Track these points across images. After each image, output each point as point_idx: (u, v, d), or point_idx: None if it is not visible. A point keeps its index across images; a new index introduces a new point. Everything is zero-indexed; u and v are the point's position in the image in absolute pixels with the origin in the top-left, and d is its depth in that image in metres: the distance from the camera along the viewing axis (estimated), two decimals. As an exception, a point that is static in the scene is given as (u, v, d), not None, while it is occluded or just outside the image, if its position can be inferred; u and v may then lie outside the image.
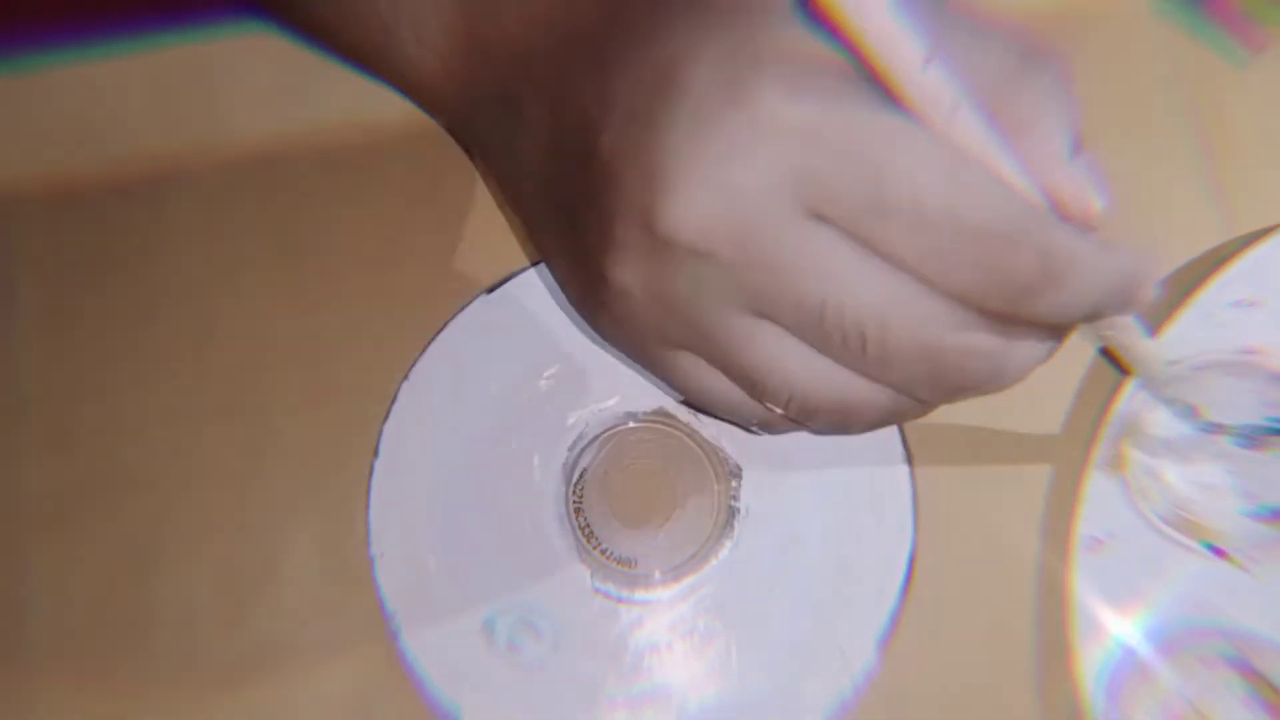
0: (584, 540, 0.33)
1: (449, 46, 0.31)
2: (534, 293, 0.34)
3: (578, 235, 0.28)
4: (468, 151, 0.35)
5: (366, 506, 0.33)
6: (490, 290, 0.34)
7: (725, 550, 0.33)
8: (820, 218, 0.24)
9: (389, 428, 0.33)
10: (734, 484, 0.33)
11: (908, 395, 0.27)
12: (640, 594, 0.32)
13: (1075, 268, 0.23)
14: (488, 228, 0.35)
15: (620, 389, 0.33)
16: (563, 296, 0.34)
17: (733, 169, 0.24)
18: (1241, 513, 0.33)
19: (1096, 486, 0.33)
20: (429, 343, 0.34)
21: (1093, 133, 0.35)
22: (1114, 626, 0.32)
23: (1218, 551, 0.32)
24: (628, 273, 0.26)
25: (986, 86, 0.24)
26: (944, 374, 0.26)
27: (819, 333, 0.25)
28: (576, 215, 0.28)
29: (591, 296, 0.28)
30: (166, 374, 0.34)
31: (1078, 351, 0.34)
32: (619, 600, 0.32)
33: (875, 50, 0.23)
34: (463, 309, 0.34)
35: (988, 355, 0.25)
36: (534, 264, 0.34)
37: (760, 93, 0.23)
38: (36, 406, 0.34)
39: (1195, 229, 0.35)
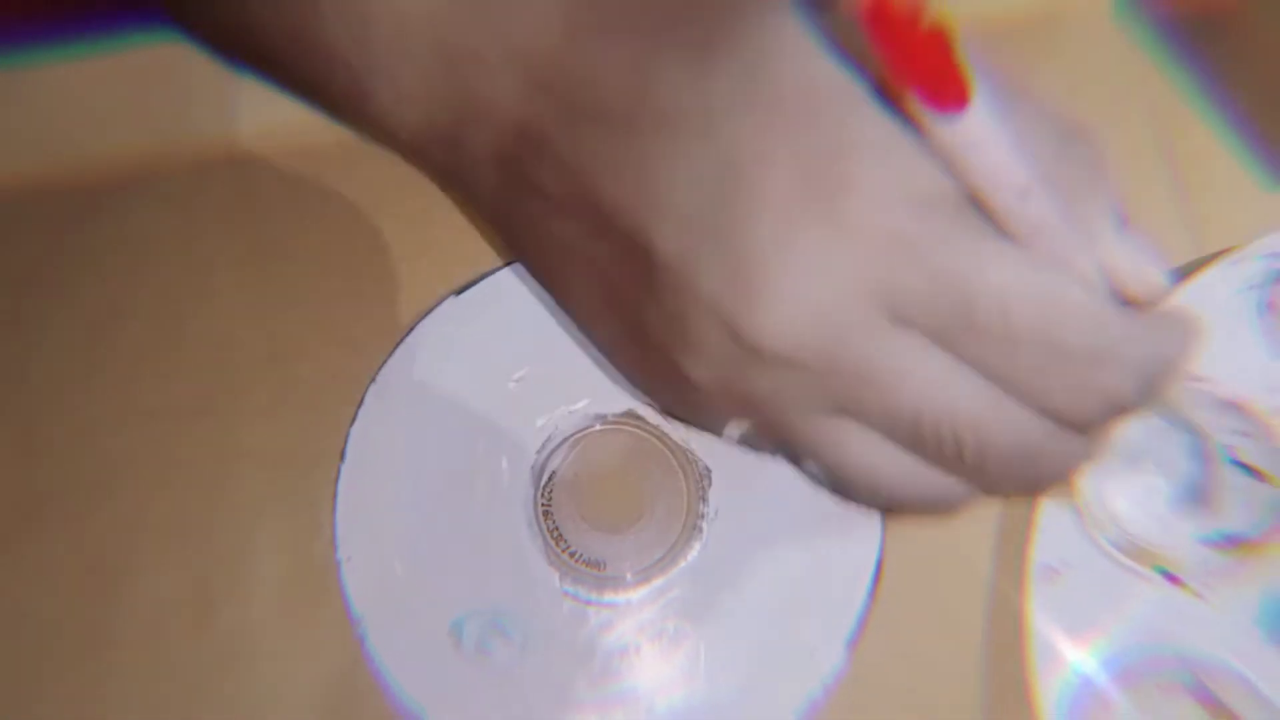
0: (553, 543, 0.33)
1: (428, 99, 0.28)
2: (503, 295, 0.34)
3: (638, 323, 0.27)
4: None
5: (334, 509, 0.33)
6: (459, 292, 0.34)
7: (694, 552, 0.33)
8: (910, 324, 0.24)
9: (356, 430, 0.33)
10: (703, 486, 0.33)
11: (994, 490, 0.27)
12: (609, 596, 0.32)
13: (1157, 372, 0.24)
14: (457, 229, 0.35)
15: (589, 391, 0.34)
16: (533, 298, 0.34)
17: (823, 281, 0.23)
18: (1195, 538, 0.33)
19: (1050, 516, 0.33)
20: (397, 344, 0.34)
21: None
22: (1072, 656, 0.32)
23: (1172, 579, 0.33)
24: (707, 372, 0.25)
25: (1038, 166, 0.24)
26: (1038, 475, 0.26)
27: (913, 438, 0.25)
28: (631, 303, 0.27)
29: (659, 380, 0.28)
30: (134, 376, 0.34)
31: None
32: (588, 603, 0.32)
33: (980, 182, 0.23)
34: (431, 310, 0.34)
35: (1076, 454, 0.26)
36: (503, 266, 0.34)
37: (847, 200, 0.23)
38: (2, 409, 0.34)
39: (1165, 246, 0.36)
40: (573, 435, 0.33)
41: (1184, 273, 0.34)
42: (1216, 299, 0.34)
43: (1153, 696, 0.32)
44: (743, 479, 0.33)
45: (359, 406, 0.33)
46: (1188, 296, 0.33)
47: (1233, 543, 0.33)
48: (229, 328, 0.34)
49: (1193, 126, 0.37)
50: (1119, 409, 0.25)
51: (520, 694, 0.31)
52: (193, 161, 0.36)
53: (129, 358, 0.34)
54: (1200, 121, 0.37)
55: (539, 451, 0.33)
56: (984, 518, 0.34)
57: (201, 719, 0.32)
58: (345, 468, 0.33)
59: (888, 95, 0.24)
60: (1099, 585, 0.33)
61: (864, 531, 0.33)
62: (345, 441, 0.33)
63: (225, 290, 0.35)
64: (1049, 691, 0.32)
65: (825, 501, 0.32)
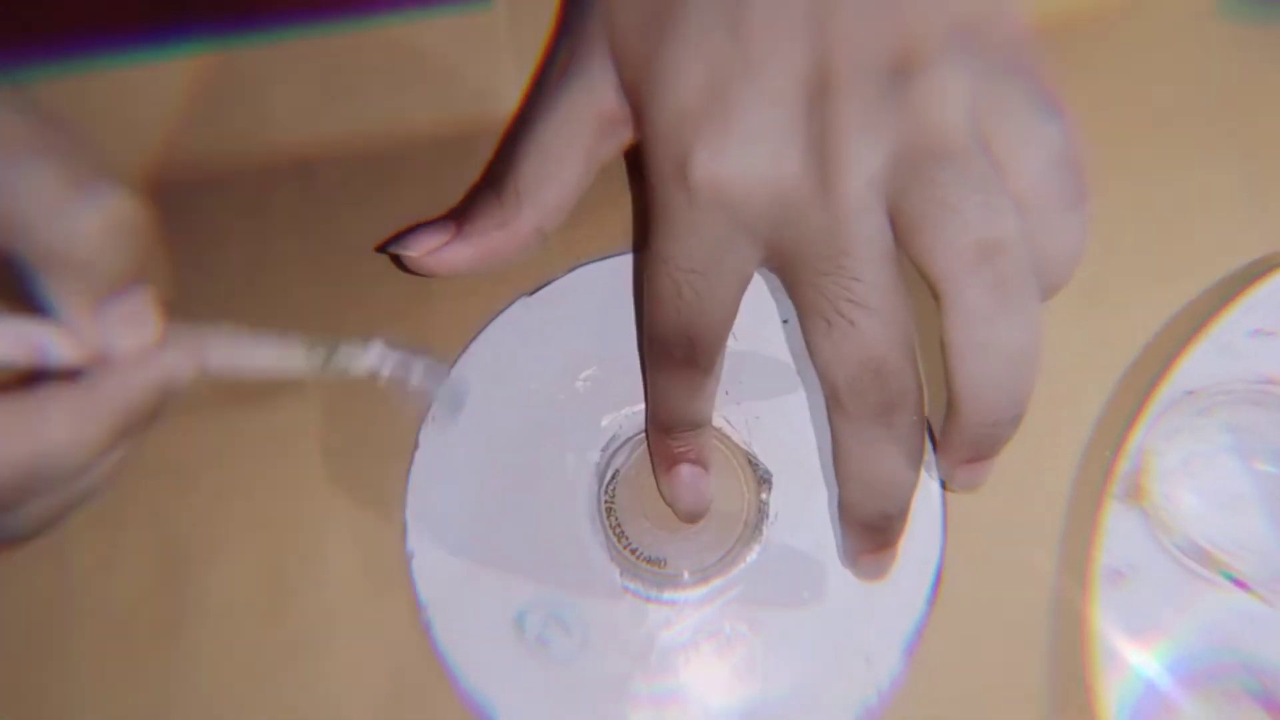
0: (614, 540, 0.33)
1: None
2: (573, 297, 0.35)
3: None
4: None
5: (404, 503, 0.33)
6: (531, 293, 0.35)
7: (753, 554, 0.33)
8: None
9: (427, 426, 0.34)
10: (764, 489, 0.34)
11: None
12: (669, 594, 0.33)
13: None
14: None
15: (654, 394, 0.34)
16: (601, 301, 0.35)
17: None
18: (1266, 548, 0.33)
19: (1116, 518, 0.33)
20: (469, 343, 0.35)
21: (1130, 134, 0.36)
22: (1135, 659, 0.32)
23: (1239, 584, 0.32)
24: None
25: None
26: None
27: None
28: None
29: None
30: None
31: (1095, 382, 0.35)
32: (647, 600, 0.33)
33: None
34: (503, 310, 0.35)
35: None
36: (571, 270, 0.35)
37: None
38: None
39: (1236, 240, 0.35)
40: (636, 435, 0.34)
41: (1260, 270, 0.33)
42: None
43: (1217, 702, 0.32)
44: (803, 483, 0.34)
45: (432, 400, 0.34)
46: (1264, 296, 0.33)
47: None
48: (299, 325, 0.35)
49: (1264, 119, 0.36)
50: None
51: (579, 687, 0.32)
52: (265, 163, 0.36)
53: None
54: (1272, 112, 0.36)
55: (603, 450, 0.34)
56: (1048, 521, 0.34)
57: (272, 707, 0.33)
58: (416, 462, 0.34)
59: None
60: (1165, 589, 0.32)
61: (925, 537, 0.33)
62: (416, 436, 0.34)
63: (297, 288, 0.36)
64: (1112, 695, 0.32)
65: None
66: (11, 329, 0.24)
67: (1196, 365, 0.33)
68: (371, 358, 0.29)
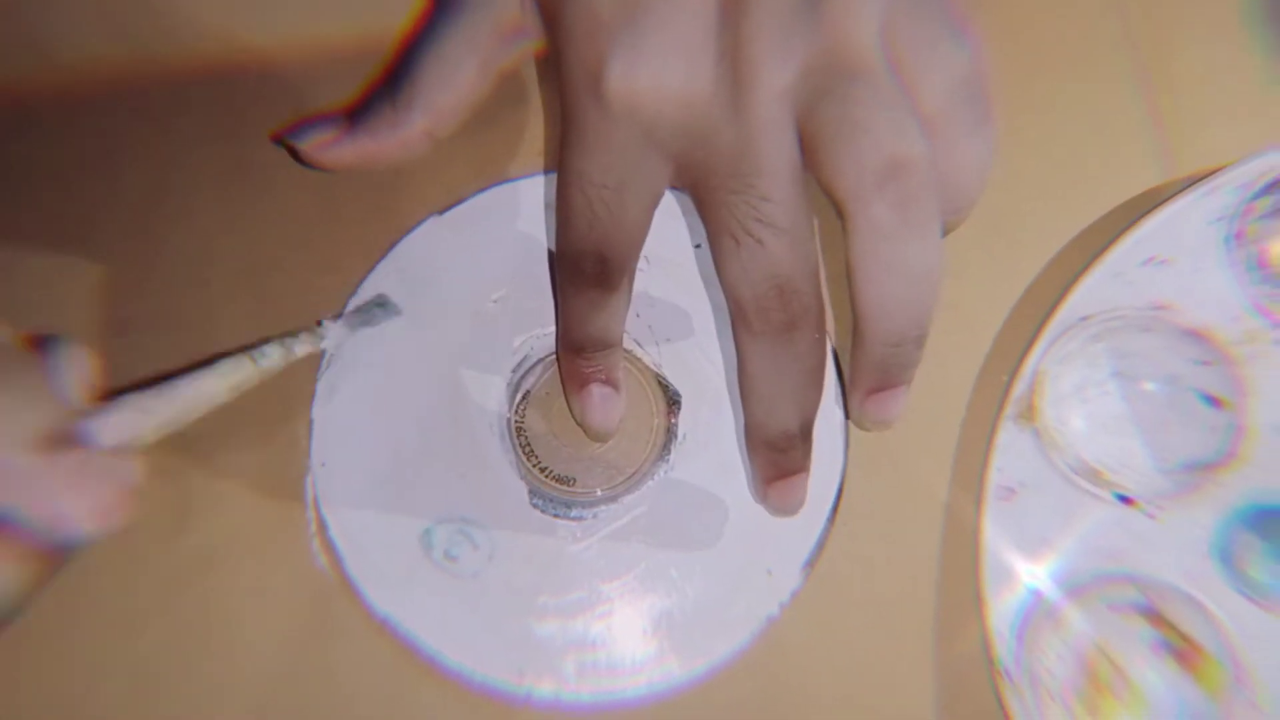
0: (524, 458, 0.34)
1: None
2: (485, 217, 0.35)
3: None
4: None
5: (310, 419, 0.33)
6: (442, 212, 0.35)
7: (661, 473, 0.34)
8: None
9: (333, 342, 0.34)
10: (673, 411, 0.34)
11: None
12: (576, 512, 0.33)
13: None
14: (441, 150, 0.35)
15: (565, 315, 0.34)
16: (514, 221, 0.35)
17: None
18: (1151, 462, 0.34)
19: (1009, 437, 0.34)
20: (378, 260, 0.34)
21: (1031, 63, 0.36)
22: (1024, 573, 0.33)
23: (1126, 500, 0.34)
24: None
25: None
26: None
27: None
28: None
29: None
30: (111, 290, 0.34)
31: (991, 307, 0.35)
32: (555, 516, 0.33)
33: None
34: (414, 229, 0.35)
35: None
36: (484, 189, 0.35)
37: None
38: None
39: (1135, 170, 0.36)
40: (547, 356, 0.34)
41: (1155, 202, 0.34)
42: (1186, 229, 0.34)
43: (1102, 613, 0.33)
44: (711, 405, 0.34)
45: (338, 319, 0.34)
46: (1158, 226, 0.34)
47: (1188, 467, 0.34)
48: (205, 243, 0.35)
49: (1169, 53, 0.37)
50: None
51: (486, 601, 0.32)
52: (172, 75, 0.36)
53: (106, 272, 0.34)
54: (1176, 47, 0.37)
55: (514, 370, 0.34)
56: (944, 440, 0.35)
57: (175, 624, 0.33)
58: (322, 378, 0.34)
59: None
60: (1053, 505, 0.34)
61: (827, 457, 0.33)
62: (322, 353, 0.34)
63: (204, 206, 0.35)
64: (1001, 606, 0.33)
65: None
66: None
67: (1090, 292, 0.34)
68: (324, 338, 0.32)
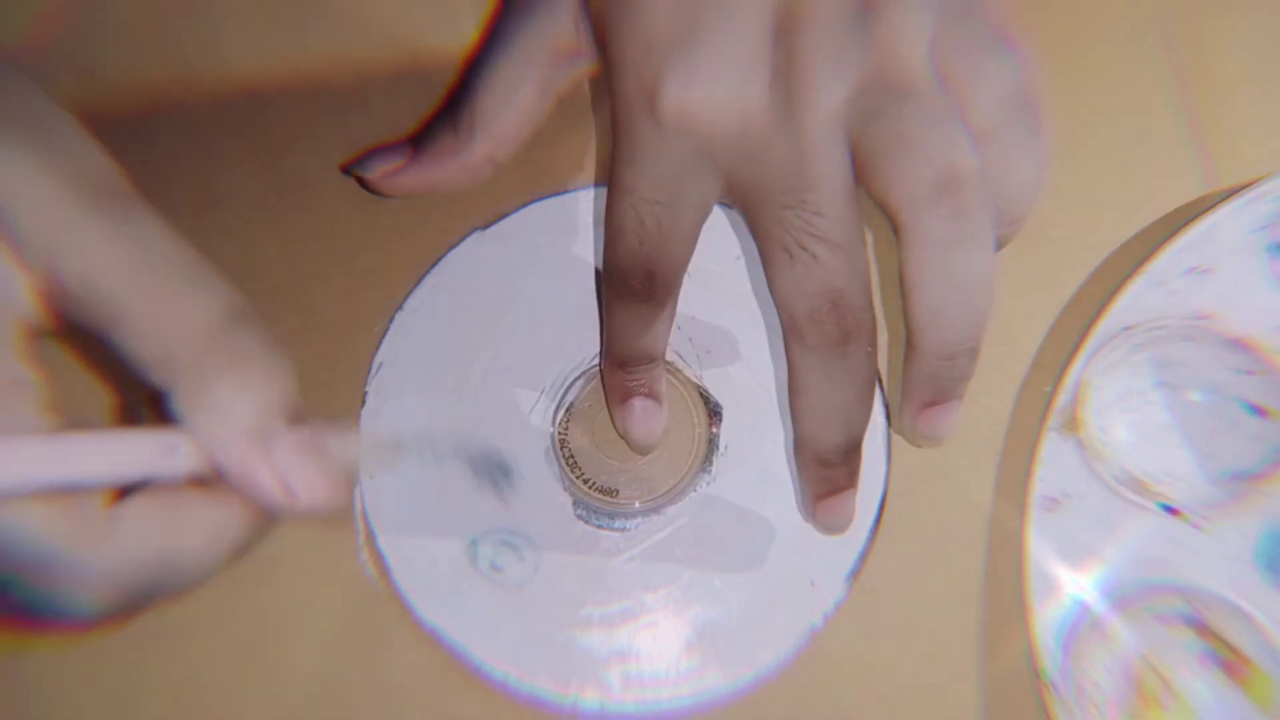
0: (568, 470, 0.34)
1: None
2: (529, 230, 0.35)
3: None
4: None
5: (357, 430, 0.34)
6: (485, 226, 0.35)
7: (703, 484, 0.34)
8: None
9: (381, 357, 0.34)
10: (715, 422, 0.34)
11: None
12: (620, 523, 0.34)
13: None
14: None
15: (608, 328, 0.35)
16: (558, 237, 0.35)
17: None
18: (1197, 477, 0.34)
19: (1052, 448, 0.34)
20: (423, 275, 0.35)
21: (1074, 75, 0.36)
22: (1069, 584, 0.33)
23: (1172, 510, 0.33)
24: None
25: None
26: None
27: None
28: None
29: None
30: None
31: (1034, 317, 0.35)
32: (599, 528, 0.33)
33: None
34: (457, 244, 0.35)
35: None
36: (525, 205, 0.35)
37: None
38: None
39: (1176, 181, 0.36)
40: (591, 369, 0.34)
41: (1195, 211, 0.34)
42: (1227, 238, 0.34)
43: (1147, 624, 0.33)
44: (753, 417, 0.34)
45: (385, 333, 0.34)
46: (1200, 235, 0.34)
47: (1234, 477, 0.34)
48: (249, 258, 0.35)
49: (1209, 62, 0.37)
50: None
51: (532, 612, 0.33)
52: (216, 93, 0.36)
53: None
54: (1217, 57, 0.37)
55: (558, 383, 0.34)
56: (987, 451, 0.35)
57: (226, 637, 0.33)
58: (370, 393, 0.34)
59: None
60: (1098, 516, 0.33)
61: (870, 467, 0.33)
62: (369, 369, 0.34)
63: (247, 222, 0.36)
64: (1046, 617, 0.33)
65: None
66: (152, 442, 0.24)
67: (1133, 302, 0.34)
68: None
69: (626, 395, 0.33)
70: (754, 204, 0.31)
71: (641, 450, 0.34)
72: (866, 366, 0.31)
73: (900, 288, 0.30)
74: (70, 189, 0.24)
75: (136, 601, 0.24)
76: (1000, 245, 0.32)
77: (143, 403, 0.32)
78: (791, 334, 0.31)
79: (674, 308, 0.32)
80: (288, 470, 0.24)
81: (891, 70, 0.30)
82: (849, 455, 0.32)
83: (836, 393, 0.31)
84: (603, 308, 0.34)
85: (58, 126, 0.25)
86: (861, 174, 0.30)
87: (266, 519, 0.26)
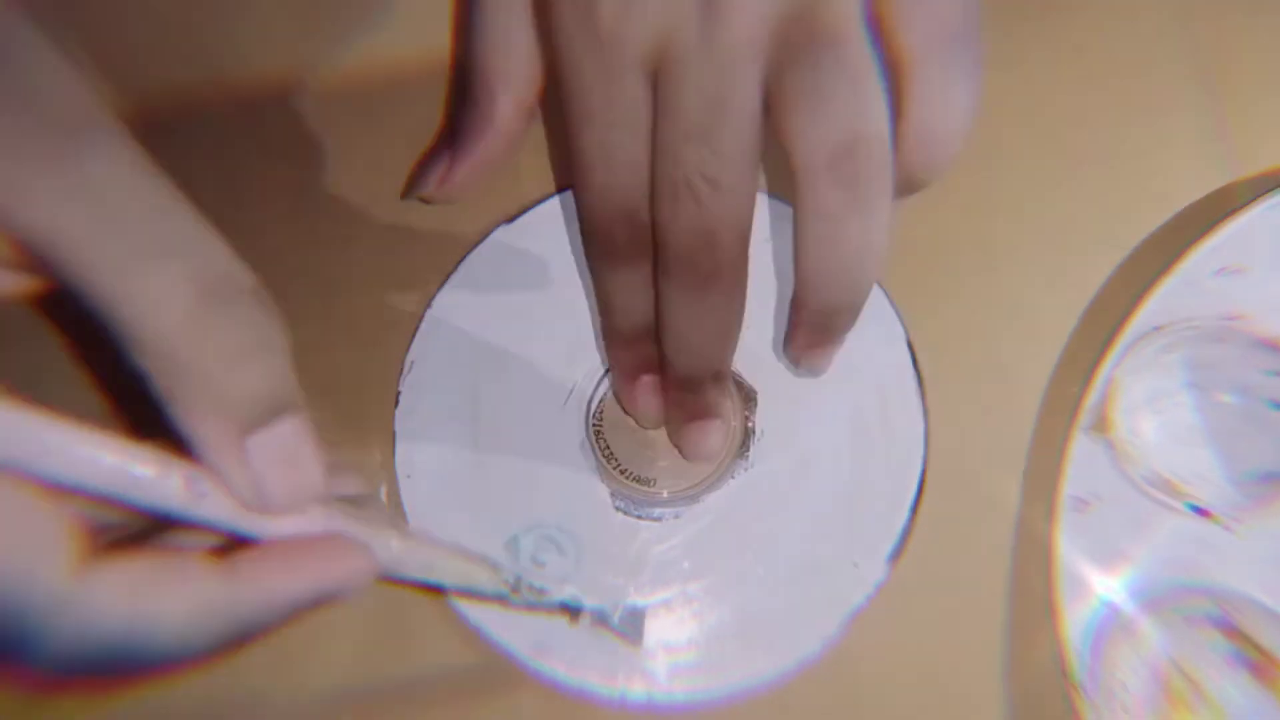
0: (605, 461, 0.34)
1: None
2: (554, 222, 0.35)
3: None
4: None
5: (393, 430, 0.34)
6: (510, 220, 0.35)
7: (741, 470, 0.34)
8: None
9: (413, 356, 0.34)
10: (750, 408, 0.34)
11: None
12: (659, 512, 0.33)
13: None
14: (502, 169, 0.35)
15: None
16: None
17: None
18: (1226, 479, 0.34)
19: (1081, 448, 0.34)
20: (451, 271, 0.35)
21: (1095, 69, 0.36)
22: (1098, 584, 0.33)
23: (1202, 511, 0.34)
24: None
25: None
26: None
27: None
28: None
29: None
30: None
31: (1062, 317, 0.35)
32: (638, 518, 0.33)
33: None
34: (484, 238, 0.35)
35: None
36: (550, 196, 0.35)
37: None
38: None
39: (1200, 175, 0.36)
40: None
41: (1227, 211, 0.34)
42: (1259, 239, 0.34)
43: (1177, 625, 0.33)
44: (788, 402, 0.34)
45: (415, 331, 0.34)
46: (1231, 235, 0.34)
47: (1264, 479, 0.34)
48: (277, 264, 0.34)
49: (1232, 57, 0.37)
50: None
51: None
52: (242, 95, 0.36)
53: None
54: (1240, 51, 0.37)
55: (592, 375, 0.34)
56: (1016, 451, 0.35)
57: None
58: (404, 390, 0.34)
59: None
60: (1128, 517, 0.33)
61: (907, 449, 0.34)
62: (402, 367, 0.34)
63: (273, 225, 0.35)
64: (1075, 619, 0.33)
65: (869, 420, 0.34)
66: (179, 472, 0.23)
67: (1163, 302, 0.34)
68: (564, 596, 0.32)
69: (633, 372, 0.33)
70: (662, 128, 0.30)
71: (653, 424, 0.34)
72: (728, 308, 0.30)
73: (792, 240, 0.29)
74: (22, 133, 0.21)
75: (104, 669, 0.23)
76: (920, 187, 0.31)
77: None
78: (660, 268, 0.30)
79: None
80: (262, 474, 0.23)
81: (820, 9, 0.29)
82: (706, 385, 0.31)
83: (695, 330, 0.30)
84: (593, 280, 0.33)
85: (14, 51, 0.22)
86: (770, 116, 0.29)
87: (272, 601, 0.24)
